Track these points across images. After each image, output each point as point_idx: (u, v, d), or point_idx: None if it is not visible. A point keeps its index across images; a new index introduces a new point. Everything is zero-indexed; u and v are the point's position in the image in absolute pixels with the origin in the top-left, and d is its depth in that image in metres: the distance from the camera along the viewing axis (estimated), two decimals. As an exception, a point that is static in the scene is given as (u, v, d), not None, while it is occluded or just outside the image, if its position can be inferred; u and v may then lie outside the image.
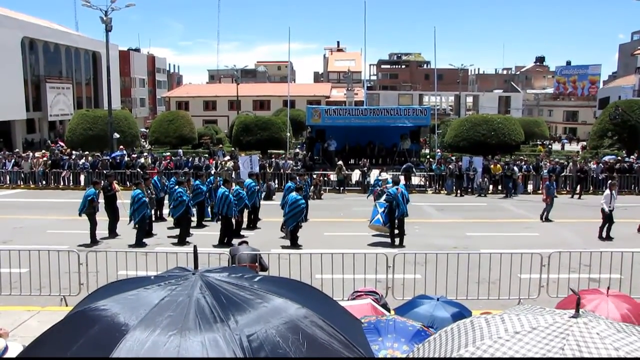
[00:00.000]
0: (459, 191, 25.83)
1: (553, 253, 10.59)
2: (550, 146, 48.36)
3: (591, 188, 26.48)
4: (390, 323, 4.40)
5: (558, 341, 2.01)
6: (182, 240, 15.43)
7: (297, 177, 19.41)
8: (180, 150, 34.75)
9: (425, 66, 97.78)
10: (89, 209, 15.37)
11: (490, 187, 26.46)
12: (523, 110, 78.64)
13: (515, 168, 26.07)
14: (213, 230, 17.07)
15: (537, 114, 77.04)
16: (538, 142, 53.18)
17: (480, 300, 10.01)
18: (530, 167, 27.52)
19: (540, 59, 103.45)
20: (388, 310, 6.07)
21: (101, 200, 16.23)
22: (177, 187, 16.09)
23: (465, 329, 2.23)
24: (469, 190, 26.07)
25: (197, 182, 17.81)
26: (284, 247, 14.76)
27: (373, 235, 16.02)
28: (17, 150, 36.10)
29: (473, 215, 20.51)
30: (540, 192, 26.07)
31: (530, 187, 26.91)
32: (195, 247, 2.73)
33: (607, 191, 16.93)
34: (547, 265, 10.31)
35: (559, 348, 1.97)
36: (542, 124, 58.12)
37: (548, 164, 27.81)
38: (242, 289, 2.42)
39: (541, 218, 19.28)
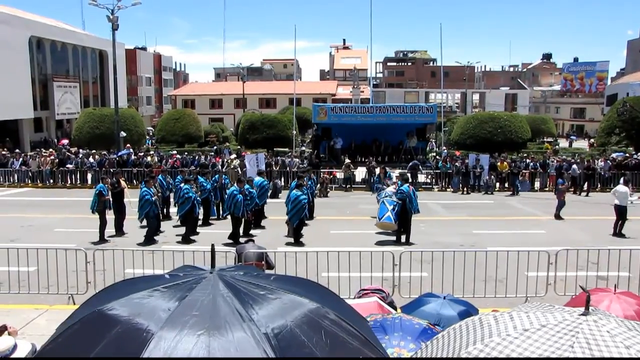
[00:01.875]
0: (465, 189, 25.76)
1: (560, 251, 10.56)
2: (557, 144, 48.13)
3: (599, 185, 26.36)
4: (397, 321, 4.39)
5: (567, 339, 1.99)
6: (186, 239, 15.45)
7: (305, 173, 19.39)
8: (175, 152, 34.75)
9: (431, 63, 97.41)
10: (99, 205, 15.43)
11: (497, 184, 26.39)
12: (530, 107, 78.38)
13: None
14: (219, 228, 17.13)
15: (544, 111, 76.79)
16: (545, 140, 52.97)
17: (487, 298, 9.98)
18: (537, 164, 27.41)
19: (547, 56, 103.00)
20: (394, 308, 6.06)
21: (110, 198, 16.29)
22: (182, 184, 16.10)
23: (474, 327, 2.22)
24: (476, 187, 26.00)
25: (201, 179, 17.83)
26: (289, 244, 14.78)
27: (379, 234, 15.99)
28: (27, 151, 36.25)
29: (479, 213, 20.46)
30: (547, 189, 26.04)
31: (537, 185, 26.81)
32: (212, 245, 2.72)
33: (622, 187, 16.83)
34: (555, 263, 10.27)
35: (569, 346, 1.96)
36: (549, 121, 57.89)
37: (555, 161, 27.69)
38: (261, 288, 2.42)
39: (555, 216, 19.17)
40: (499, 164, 26.43)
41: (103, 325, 2.19)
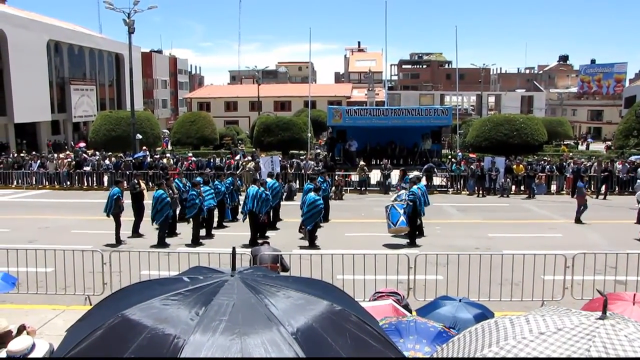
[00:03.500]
0: (480, 191, 25.62)
1: (577, 254, 10.44)
2: (577, 143, 47.53)
3: (616, 188, 26.07)
4: (412, 324, 4.38)
5: (584, 342, 1.98)
6: (195, 240, 15.52)
7: (318, 176, 19.41)
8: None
9: (446, 66, 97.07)
10: (115, 208, 15.57)
11: (513, 187, 26.20)
12: (546, 109, 77.68)
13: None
14: (233, 231, 17.20)
15: (560, 114, 76.02)
16: (562, 142, 52.50)
17: (502, 302, 9.92)
18: (554, 167, 27.18)
19: (563, 58, 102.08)
20: (409, 311, 6.05)
21: (127, 200, 16.43)
22: (192, 190, 16.08)
23: (490, 330, 2.22)
24: (491, 190, 25.84)
25: (216, 182, 17.88)
26: (303, 247, 14.79)
27: (393, 236, 15.95)
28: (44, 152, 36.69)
29: (495, 216, 20.33)
30: (563, 192, 25.80)
31: (553, 188, 26.58)
32: (234, 248, 2.71)
33: None
34: (572, 267, 10.17)
35: (585, 350, 1.95)
36: (566, 123, 57.37)
37: (572, 164, 27.43)
38: (283, 290, 2.43)
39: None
40: (514, 166, 26.24)
41: (129, 331, 2.16)
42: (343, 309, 2.44)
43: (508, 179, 25.85)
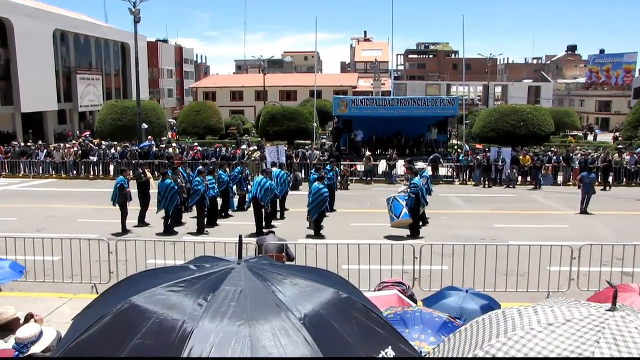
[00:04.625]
0: (487, 182, 25.56)
1: (584, 246, 10.40)
2: (586, 135, 47.19)
3: (624, 180, 25.94)
4: (417, 314, 4.37)
5: (593, 334, 1.96)
6: (200, 229, 15.57)
7: (326, 165, 19.42)
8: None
9: (453, 56, 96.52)
10: (120, 197, 15.62)
11: (520, 178, 26.12)
12: (553, 100, 77.26)
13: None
14: (238, 220, 17.24)
15: (568, 105, 75.59)
16: (569, 133, 52.23)
17: (508, 292, 9.89)
18: (561, 158, 27.05)
19: (572, 48, 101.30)
20: (415, 301, 6.03)
21: (134, 190, 16.48)
22: (197, 177, 16.19)
23: (498, 320, 2.20)
24: (497, 181, 25.77)
25: (220, 171, 17.93)
26: (310, 236, 14.81)
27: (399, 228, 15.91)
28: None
29: (501, 207, 20.28)
30: (570, 183, 25.69)
31: (560, 179, 26.48)
32: (240, 237, 2.71)
33: None
34: (578, 258, 10.13)
35: (594, 341, 1.93)
36: (573, 114, 57.04)
37: (580, 155, 27.28)
38: (289, 278, 2.44)
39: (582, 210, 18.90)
40: (521, 157, 26.15)
41: (138, 317, 2.17)
42: (349, 296, 2.45)
43: (514, 170, 25.77)
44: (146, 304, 2.21)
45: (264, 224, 15.57)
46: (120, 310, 2.23)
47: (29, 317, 5.69)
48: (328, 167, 18.36)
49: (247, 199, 16.98)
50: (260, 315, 2.14)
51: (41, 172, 28.50)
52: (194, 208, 16.36)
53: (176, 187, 15.59)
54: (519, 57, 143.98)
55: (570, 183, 25.71)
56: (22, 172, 28.76)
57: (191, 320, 2.10)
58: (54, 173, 28.47)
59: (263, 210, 15.65)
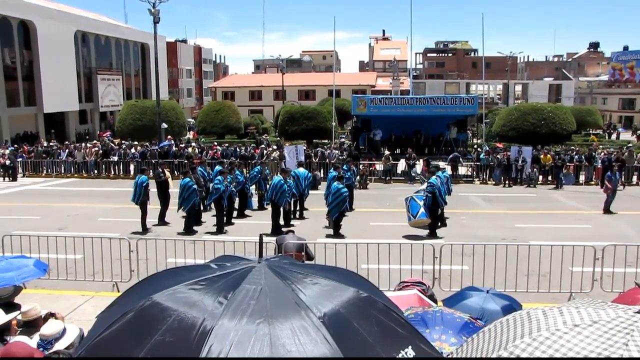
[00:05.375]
0: (507, 181, 25.34)
1: (607, 246, 10.24)
2: (610, 133, 46.44)
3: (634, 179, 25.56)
4: (438, 314, 4.34)
5: (621, 336, 1.92)
6: (219, 229, 15.64)
7: (343, 164, 19.40)
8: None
9: (472, 54, 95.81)
10: (144, 196, 15.74)
11: (540, 177, 25.84)
12: (575, 98, 76.23)
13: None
14: (255, 220, 17.31)
15: (590, 103, 74.51)
16: (590, 132, 51.52)
17: (529, 293, 9.79)
18: (583, 157, 26.70)
19: (594, 45, 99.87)
20: (435, 301, 6.00)
21: (153, 189, 16.61)
22: (218, 176, 16.28)
23: (522, 320, 2.17)
24: (518, 180, 25.54)
25: (237, 171, 18.00)
26: (329, 235, 14.81)
27: (417, 228, 15.82)
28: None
29: (522, 206, 20.08)
30: (593, 182, 25.34)
31: (582, 178, 26.14)
32: (261, 236, 2.72)
33: None
34: (601, 259, 9.99)
35: (623, 343, 1.89)
36: (596, 112, 56.18)
37: (603, 154, 26.89)
38: (309, 277, 2.44)
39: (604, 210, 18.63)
40: (542, 156, 25.89)
41: (159, 314, 2.19)
42: (369, 295, 2.44)
43: (535, 169, 25.52)
44: (167, 302, 2.23)
45: (281, 223, 15.59)
46: (141, 307, 2.26)
47: (48, 317, 5.77)
48: (345, 167, 18.33)
49: (265, 199, 17.11)
50: (280, 313, 2.14)
51: (63, 171, 28.90)
52: (213, 207, 16.45)
53: (194, 186, 15.66)
54: (539, 55, 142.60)
55: (593, 182, 25.37)
56: (45, 172, 29.17)
57: (211, 318, 2.11)
58: (75, 172, 28.83)
59: (281, 209, 15.70)
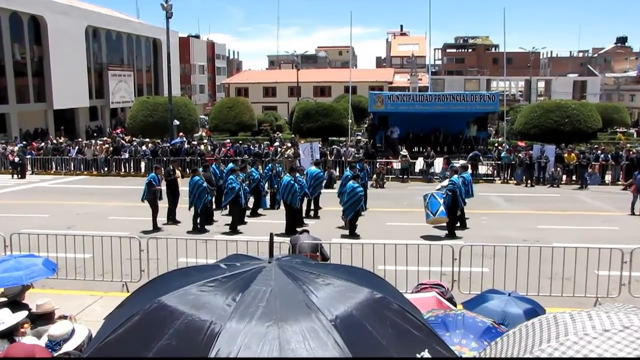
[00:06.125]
0: (529, 181, 25.12)
1: (636, 249, 10.08)
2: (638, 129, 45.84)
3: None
4: (459, 318, 4.31)
5: (656, 342, 1.87)
6: (233, 228, 15.65)
7: (357, 163, 19.35)
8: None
9: (493, 50, 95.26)
10: (149, 194, 15.83)
11: (564, 177, 25.58)
12: (601, 95, 75.31)
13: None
14: (269, 219, 17.32)
15: (617, 100, 73.60)
16: (617, 130, 50.90)
17: (552, 297, 9.67)
18: (609, 156, 26.38)
19: (621, 39, 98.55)
20: (454, 304, 5.95)
21: (163, 187, 16.69)
22: (231, 175, 16.24)
23: (548, 324, 2.12)
24: (540, 180, 25.31)
25: (252, 169, 17.99)
26: (344, 236, 14.78)
27: (437, 227, 15.77)
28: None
29: (545, 207, 19.88)
30: (619, 182, 25.03)
31: (608, 178, 25.83)
32: (271, 235, 2.71)
33: None
34: (629, 262, 9.83)
35: (657, 350, 1.84)
36: (623, 109, 55.47)
37: (632, 153, 26.53)
38: (321, 277, 2.42)
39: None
40: (565, 155, 25.63)
41: (166, 317, 2.19)
42: (384, 296, 2.42)
43: (558, 168, 25.27)
44: (175, 304, 2.24)
45: (295, 222, 15.59)
46: (148, 309, 2.27)
47: (61, 318, 5.86)
48: (358, 166, 18.29)
49: (277, 198, 17.10)
50: (290, 315, 2.14)
51: (72, 168, 29.14)
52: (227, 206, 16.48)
53: (204, 185, 15.67)
54: (563, 50, 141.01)
55: (620, 182, 25.06)
56: (54, 169, 29.44)
57: (219, 320, 2.11)
58: (84, 170, 29.07)
59: (295, 208, 15.68)
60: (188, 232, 15.02)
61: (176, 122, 34.24)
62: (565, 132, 33.05)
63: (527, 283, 9.62)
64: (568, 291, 9.89)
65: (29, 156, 29.37)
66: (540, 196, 22.39)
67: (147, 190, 15.84)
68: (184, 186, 17.08)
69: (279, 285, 2.29)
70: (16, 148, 30.32)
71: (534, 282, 9.72)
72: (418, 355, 2.23)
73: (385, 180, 24.91)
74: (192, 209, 15.76)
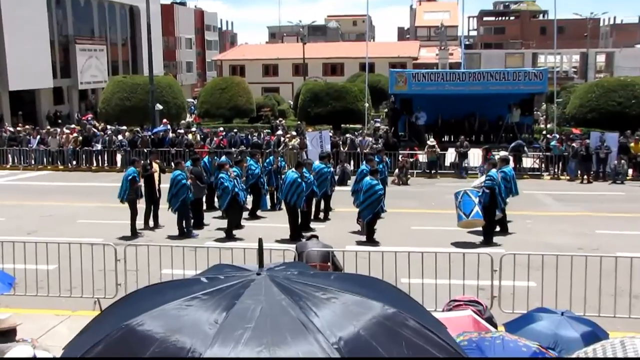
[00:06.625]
0: (585, 176, 25.04)
1: None
2: None
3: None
4: (498, 342, 4.32)
5: None
6: (228, 233, 15.66)
7: (375, 155, 19.31)
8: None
9: (541, 17, 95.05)
10: (130, 193, 15.83)
11: (630, 171, 25.48)
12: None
13: None
14: (270, 222, 17.34)
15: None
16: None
17: (617, 318, 9.62)
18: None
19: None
20: (494, 325, 5.95)
21: (142, 184, 16.72)
22: (221, 172, 16.03)
23: (614, 351, 2.09)
24: (600, 175, 25.22)
25: (251, 161, 17.94)
26: (360, 242, 14.77)
27: (471, 232, 15.73)
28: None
29: (605, 208, 19.83)
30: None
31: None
32: (260, 240, 2.70)
33: None
34: None
35: None
36: None
37: None
38: (322, 290, 2.43)
39: None
40: (632, 144, 25.57)
41: (135, 345, 2.20)
42: (398, 311, 2.42)
43: (623, 161, 25.16)
44: (146, 329, 2.25)
45: (301, 226, 15.60)
46: (114, 337, 2.27)
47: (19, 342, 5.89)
48: (377, 158, 18.26)
49: (279, 197, 17.05)
50: (283, 338, 2.14)
51: (33, 162, 29.21)
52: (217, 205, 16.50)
53: (184, 181, 15.59)
54: (629, 16, 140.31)
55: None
56: (10, 163, 29.51)
57: (199, 347, 2.12)
58: (48, 164, 29.17)
59: (299, 211, 15.69)
60: (172, 238, 15.05)
61: (159, 106, 34.32)
62: (632, 117, 32.91)
63: (585, 301, 9.58)
64: (636, 312, 9.84)
65: (-21, 148, 29.49)
66: (599, 195, 22.35)
67: (128, 188, 15.81)
68: (165, 183, 17.04)
69: (270, 301, 2.30)
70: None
71: (592, 299, 9.69)
72: None
73: (409, 176, 24.91)
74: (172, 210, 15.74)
